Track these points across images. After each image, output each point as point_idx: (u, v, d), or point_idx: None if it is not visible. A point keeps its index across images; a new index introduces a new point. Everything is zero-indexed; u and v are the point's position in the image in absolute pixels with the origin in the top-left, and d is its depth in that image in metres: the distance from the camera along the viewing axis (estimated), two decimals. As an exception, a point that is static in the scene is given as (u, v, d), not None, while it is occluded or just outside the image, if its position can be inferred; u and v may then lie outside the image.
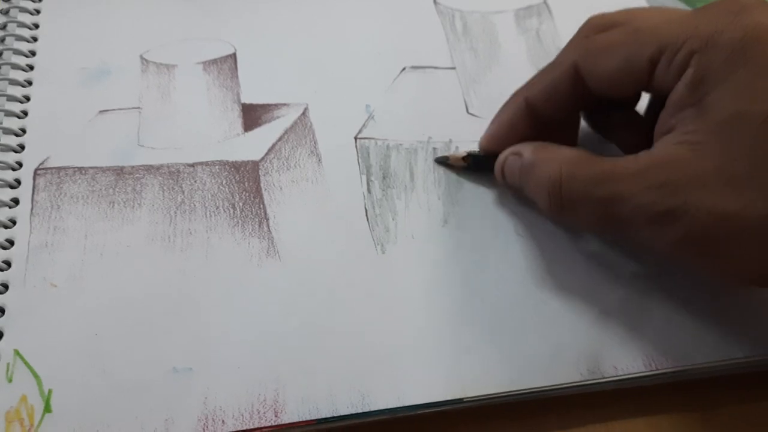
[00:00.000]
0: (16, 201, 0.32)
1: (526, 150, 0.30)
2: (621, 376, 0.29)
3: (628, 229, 0.27)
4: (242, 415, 0.27)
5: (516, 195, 0.33)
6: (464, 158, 0.33)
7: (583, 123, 0.34)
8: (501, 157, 0.32)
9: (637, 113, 0.33)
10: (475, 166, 0.33)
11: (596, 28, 0.30)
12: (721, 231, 0.25)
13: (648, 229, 0.27)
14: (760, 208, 0.24)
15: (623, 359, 0.29)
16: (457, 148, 0.35)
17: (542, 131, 0.31)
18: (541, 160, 0.30)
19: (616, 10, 0.31)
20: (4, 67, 0.36)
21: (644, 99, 0.32)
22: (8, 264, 0.30)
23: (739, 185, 0.25)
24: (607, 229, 0.30)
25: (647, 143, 0.28)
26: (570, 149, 0.29)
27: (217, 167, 0.33)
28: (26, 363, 0.28)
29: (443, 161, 0.34)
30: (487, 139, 0.33)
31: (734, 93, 0.25)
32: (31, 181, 0.33)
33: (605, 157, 0.28)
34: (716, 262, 0.26)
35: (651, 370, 0.29)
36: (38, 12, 0.38)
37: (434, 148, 0.35)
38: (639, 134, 0.31)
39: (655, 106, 0.31)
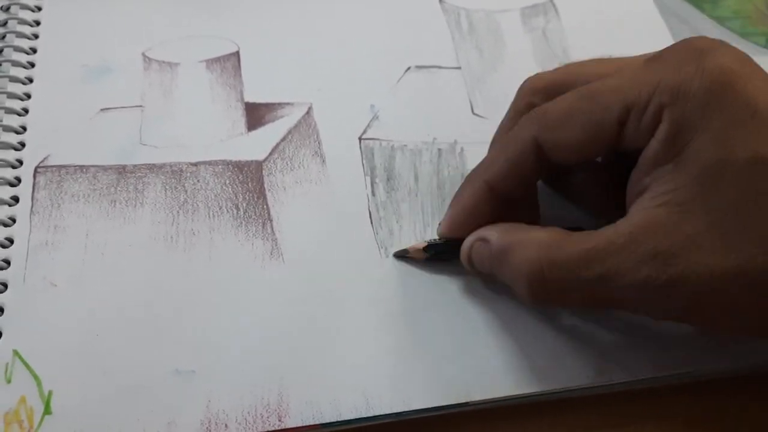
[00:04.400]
0: (15, 199, 0.32)
1: (493, 235, 0.28)
2: (627, 379, 0.29)
3: (624, 306, 0.26)
4: (245, 419, 0.27)
5: (488, 281, 0.30)
6: (424, 249, 0.31)
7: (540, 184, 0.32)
8: (466, 243, 0.29)
9: (601, 168, 0.31)
10: (438, 256, 0.31)
11: (541, 92, 0.29)
12: (724, 292, 0.24)
13: (645, 305, 0.25)
14: (762, 262, 0.23)
15: (629, 362, 0.29)
16: (462, 149, 0.34)
17: (504, 209, 0.29)
18: (513, 245, 0.27)
19: (625, 11, 0.30)
20: (4, 64, 0.35)
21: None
22: (8, 263, 0.30)
23: (734, 240, 0.23)
24: (599, 308, 0.28)
25: (613, 200, 0.27)
26: (542, 230, 0.27)
27: (220, 167, 0.33)
28: (25, 363, 0.28)
29: (402, 255, 0.31)
30: (448, 225, 0.30)
31: (713, 143, 0.24)
32: (32, 179, 0.32)
33: (582, 233, 0.26)
34: (727, 322, 0.25)
35: (660, 372, 0.29)
36: (39, 9, 0.38)
37: (439, 149, 0.34)
38: (604, 192, 0.30)
39: (619, 161, 0.29)
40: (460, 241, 0.30)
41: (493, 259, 0.28)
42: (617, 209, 0.27)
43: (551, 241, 0.26)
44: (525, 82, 0.30)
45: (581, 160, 0.28)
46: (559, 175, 0.31)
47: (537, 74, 0.30)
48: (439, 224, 0.31)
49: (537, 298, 0.27)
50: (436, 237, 0.31)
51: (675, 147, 0.25)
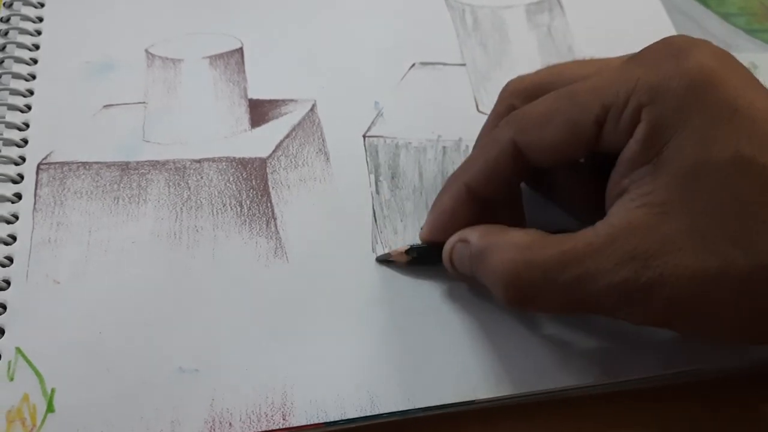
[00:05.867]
0: (18, 196, 0.32)
1: (473, 236, 0.28)
2: (632, 377, 0.29)
3: (600, 310, 0.25)
4: (249, 418, 0.27)
5: (470, 285, 0.30)
6: (407, 252, 0.30)
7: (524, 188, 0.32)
8: (447, 246, 0.29)
9: (582, 169, 0.30)
10: (420, 260, 0.30)
11: (522, 94, 0.29)
12: (704, 294, 0.23)
13: (623, 308, 0.24)
14: (743, 264, 0.22)
15: (634, 360, 0.29)
16: (467, 147, 0.34)
17: (485, 212, 0.29)
18: (491, 247, 0.27)
19: (631, 7, 0.30)
20: (7, 61, 0.35)
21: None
22: (10, 260, 0.30)
23: (714, 242, 0.23)
24: (576, 313, 0.28)
25: (595, 200, 0.27)
26: (520, 232, 0.27)
27: (224, 163, 0.33)
28: (28, 361, 0.28)
29: (385, 259, 0.31)
30: (429, 229, 0.30)
31: (693, 142, 0.23)
32: (34, 176, 0.32)
33: (561, 235, 0.26)
34: (699, 325, 0.24)
35: (665, 371, 0.29)
36: (42, 5, 0.38)
37: (444, 147, 0.34)
38: (586, 193, 0.29)
39: (598, 161, 0.28)
40: (442, 244, 0.29)
41: (472, 260, 0.28)
42: (601, 211, 0.26)
43: (529, 242, 0.26)
44: (506, 84, 0.30)
45: (561, 162, 0.28)
46: (543, 177, 0.31)
47: (518, 77, 0.30)
48: (422, 228, 0.31)
49: (513, 300, 0.26)
50: (419, 241, 0.31)
51: (654, 147, 0.24)
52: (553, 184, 0.31)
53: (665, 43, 0.25)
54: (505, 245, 0.26)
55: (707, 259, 0.23)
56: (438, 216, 0.30)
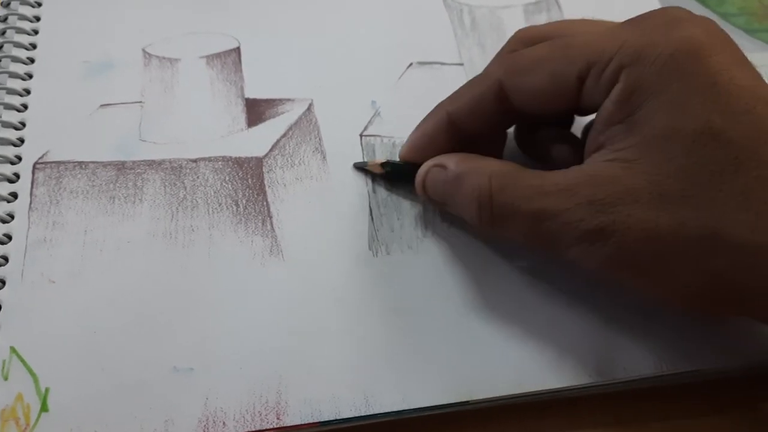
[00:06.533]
0: (14, 195, 0.32)
1: (451, 161, 0.29)
2: (631, 377, 0.28)
3: (557, 246, 0.26)
4: (243, 417, 0.27)
5: (438, 209, 0.31)
6: (382, 165, 0.32)
7: (511, 143, 0.33)
8: (422, 168, 0.30)
9: (568, 132, 0.31)
10: (394, 175, 0.32)
11: (524, 41, 0.29)
12: (653, 249, 0.24)
13: (577, 246, 0.26)
14: (694, 227, 0.23)
15: (633, 360, 0.29)
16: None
17: (465, 145, 0.30)
18: (468, 171, 0.28)
19: (629, 6, 0.30)
20: (4, 59, 0.35)
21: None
22: (5, 259, 0.30)
23: (672, 203, 0.24)
24: (536, 245, 0.28)
25: (579, 163, 0.27)
26: (498, 161, 0.28)
27: (220, 163, 0.33)
28: (23, 360, 0.28)
29: (362, 167, 0.33)
30: (408, 148, 0.31)
31: (666, 108, 0.24)
32: (30, 176, 0.32)
33: (536, 171, 0.27)
34: (648, 281, 0.25)
35: (661, 372, 0.29)
36: (39, 4, 0.38)
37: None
38: (570, 154, 0.30)
39: (587, 125, 0.30)
40: (418, 165, 0.30)
41: (447, 184, 0.29)
42: None
43: (506, 170, 0.27)
44: (516, 32, 0.31)
45: (543, 112, 0.29)
46: (531, 137, 0.32)
47: (527, 26, 0.31)
48: (401, 147, 0.32)
49: (484, 220, 0.28)
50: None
51: (627, 107, 0.25)
52: (541, 146, 0.32)
53: (663, 12, 0.26)
54: (482, 171, 0.28)
55: (661, 216, 0.24)
56: (418, 137, 0.31)
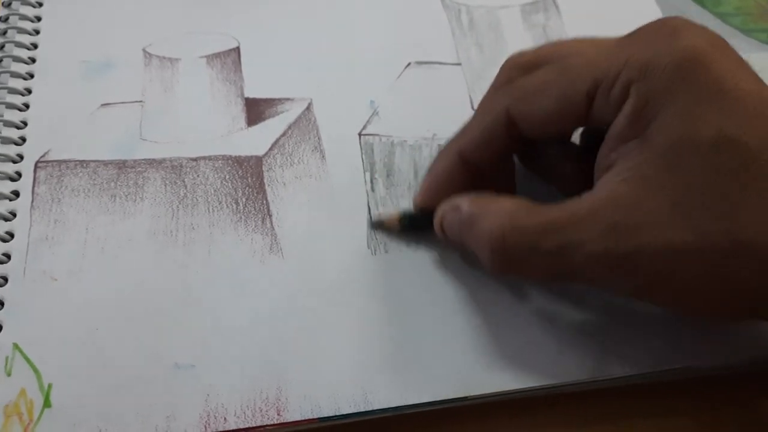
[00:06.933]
0: (16, 193, 0.32)
1: (464, 203, 0.28)
2: (628, 374, 0.29)
3: (582, 279, 0.26)
4: (244, 413, 0.27)
5: (460, 252, 0.31)
6: (399, 220, 0.31)
7: (518, 165, 0.33)
8: (439, 212, 0.30)
9: (574, 146, 0.31)
10: (412, 226, 0.31)
11: (521, 67, 0.29)
12: (681, 267, 0.24)
13: (604, 278, 0.25)
14: (719, 240, 0.23)
15: (630, 357, 0.29)
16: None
17: (479, 180, 0.29)
18: (480, 213, 0.27)
19: (626, 7, 0.30)
20: (5, 59, 0.36)
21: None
22: (8, 257, 0.30)
23: (695, 217, 0.23)
24: (559, 281, 0.28)
25: (584, 179, 0.27)
26: (510, 199, 0.27)
27: (220, 162, 0.33)
28: (25, 357, 0.28)
29: (379, 225, 0.32)
30: (422, 195, 0.31)
31: (678, 119, 0.24)
32: (32, 174, 0.32)
33: (548, 205, 0.26)
34: (676, 298, 0.25)
35: (657, 369, 0.29)
36: (40, 5, 0.38)
37: (439, 145, 0.34)
38: (577, 170, 0.30)
39: (591, 139, 0.29)
40: (434, 210, 0.30)
41: (462, 226, 0.28)
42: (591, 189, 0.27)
43: (516, 209, 0.27)
44: (508, 58, 0.30)
45: (552, 134, 0.28)
46: (535, 154, 0.32)
47: (519, 51, 0.30)
48: (414, 196, 0.31)
49: (498, 266, 0.27)
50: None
51: (640, 122, 0.25)
52: (546, 163, 0.32)
53: (661, 23, 0.26)
54: (493, 212, 0.27)
55: (685, 234, 0.23)
56: (431, 182, 0.31)
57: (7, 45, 0.36)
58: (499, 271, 0.27)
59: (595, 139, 0.28)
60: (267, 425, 0.27)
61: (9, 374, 0.28)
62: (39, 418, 0.27)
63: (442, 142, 0.34)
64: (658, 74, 0.24)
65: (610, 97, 0.25)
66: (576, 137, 0.31)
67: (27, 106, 0.34)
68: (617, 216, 0.24)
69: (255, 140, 0.34)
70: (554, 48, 0.29)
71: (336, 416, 0.27)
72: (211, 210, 0.32)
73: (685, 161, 0.24)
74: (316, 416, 0.27)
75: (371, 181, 0.33)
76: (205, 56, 0.37)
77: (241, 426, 0.27)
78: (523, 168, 0.32)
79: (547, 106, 0.27)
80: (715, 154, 0.23)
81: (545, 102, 0.27)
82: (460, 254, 0.31)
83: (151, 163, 0.33)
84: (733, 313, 0.26)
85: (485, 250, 0.27)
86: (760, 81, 0.25)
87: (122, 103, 0.35)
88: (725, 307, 0.25)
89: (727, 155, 0.23)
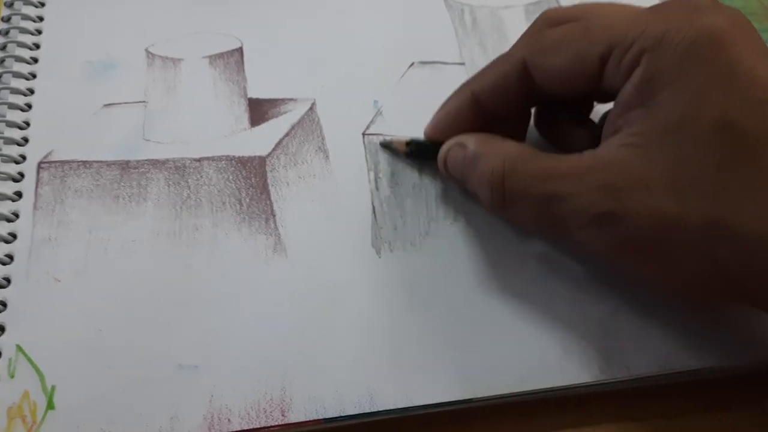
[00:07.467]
0: (19, 194, 0.32)
1: (470, 141, 0.30)
2: (634, 376, 0.29)
3: (566, 230, 0.27)
4: (248, 414, 0.27)
5: (458, 187, 0.32)
6: (407, 143, 0.33)
7: (532, 128, 0.33)
8: (444, 147, 0.31)
9: (586, 117, 0.32)
10: (418, 153, 0.33)
11: (549, 22, 0.30)
12: (660, 235, 0.24)
13: (586, 230, 0.26)
14: (702, 216, 0.24)
15: (635, 359, 0.29)
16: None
17: (489, 124, 0.30)
18: (485, 152, 0.29)
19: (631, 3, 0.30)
20: (8, 59, 0.35)
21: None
22: (11, 258, 0.30)
23: (682, 190, 0.24)
24: (546, 228, 0.29)
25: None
26: (515, 144, 0.29)
27: (223, 162, 0.33)
28: (29, 358, 0.28)
29: (387, 145, 0.34)
30: (432, 127, 0.32)
31: (684, 96, 0.24)
32: (35, 175, 0.32)
33: (550, 154, 0.27)
34: (654, 268, 0.26)
35: (663, 371, 0.29)
36: (43, 5, 0.38)
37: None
38: (587, 139, 0.30)
39: (604, 113, 0.31)
40: (441, 143, 0.31)
41: (465, 163, 0.30)
42: None
43: (519, 153, 0.28)
44: (543, 12, 0.31)
45: (564, 93, 0.29)
46: (547, 119, 0.32)
47: (556, 7, 0.31)
48: (426, 126, 0.32)
49: (495, 203, 0.28)
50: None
51: (647, 92, 0.25)
52: (559, 132, 0.32)
53: (687, 0, 0.26)
54: (497, 152, 0.28)
55: (669, 203, 0.24)
56: (442, 116, 0.32)
57: (9, 45, 0.36)
58: (495, 208, 0.29)
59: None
60: (271, 426, 0.27)
61: (12, 376, 0.27)
62: (42, 420, 0.27)
63: (446, 141, 0.34)
64: (671, 47, 0.25)
65: (622, 63, 0.26)
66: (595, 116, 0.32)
67: (29, 106, 0.34)
68: (608, 176, 0.25)
69: (258, 140, 0.34)
70: (585, 8, 0.30)
71: (341, 417, 0.27)
72: (214, 210, 0.32)
73: (683, 137, 0.24)
74: (321, 417, 0.27)
75: (375, 181, 0.33)
76: (208, 56, 0.37)
77: (246, 427, 0.27)
78: (536, 133, 0.33)
79: (561, 62, 0.28)
80: (713, 135, 0.24)
81: (560, 58, 0.28)
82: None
83: (155, 163, 0.33)
84: (719, 295, 0.26)
85: (484, 187, 0.28)
86: None
87: (125, 103, 0.35)
88: (707, 288, 0.25)
89: (725, 138, 0.24)
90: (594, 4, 0.30)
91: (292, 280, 0.30)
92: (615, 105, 0.27)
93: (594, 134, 0.30)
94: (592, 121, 0.32)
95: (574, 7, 0.30)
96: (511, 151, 0.28)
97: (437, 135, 0.32)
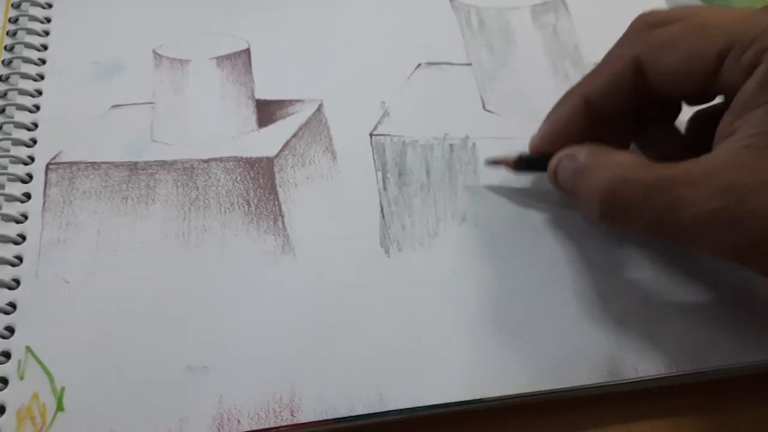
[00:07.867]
0: (27, 196, 0.32)
1: (581, 153, 0.29)
2: (642, 377, 0.29)
3: (687, 237, 0.26)
4: (258, 415, 0.27)
5: (568, 199, 0.31)
6: (516, 161, 0.32)
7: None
8: (555, 158, 0.30)
9: (673, 125, 0.32)
10: (527, 168, 0.32)
11: (650, 25, 0.29)
12: None
13: (710, 237, 0.25)
14: None
15: (644, 361, 0.29)
16: (474, 144, 0.34)
17: (598, 131, 0.30)
18: (596, 164, 0.28)
19: (637, 5, 0.30)
20: (15, 61, 0.35)
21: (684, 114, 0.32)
22: (20, 259, 0.30)
23: None
24: (663, 236, 0.28)
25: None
26: (626, 154, 0.28)
27: (231, 163, 0.33)
28: (38, 360, 0.28)
29: (494, 162, 0.33)
30: (541, 138, 0.31)
31: None
32: (43, 176, 0.32)
33: (663, 163, 0.27)
34: None
35: (671, 372, 0.29)
36: (50, 6, 0.38)
37: (450, 145, 0.34)
38: (674, 147, 0.30)
39: (700, 118, 0.30)
40: (550, 155, 0.30)
41: (575, 174, 0.29)
42: None
43: (632, 163, 0.27)
44: (637, 17, 0.30)
45: (679, 91, 0.28)
46: (647, 137, 0.32)
47: (650, 11, 0.30)
48: (532, 138, 0.32)
49: (606, 214, 0.28)
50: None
51: None
52: (646, 138, 0.32)
53: None
54: (609, 164, 0.28)
55: None
56: (551, 126, 0.31)
57: (17, 46, 0.36)
58: (604, 220, 0.28)
59: (703, 132, 0.28)
60: (281, 426, 0.27)
61: (22, 378, 0.27)
62: (52, 422, 0.27)
63: (454, 141, 0.34)
64: None
65: (742, 60, 0.25)
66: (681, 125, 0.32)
67: (38, 107, 0.34)
68: (732, 178, 0.24)
69: (266, 141, 0.34)
70: (687, 9, 0.29)
71: (350, 417, 0.27)
72: (222, 211, 0.32)
73: None
74: (330, 417, 0.27)
75: (383, 181, 0.33)
76: (216, 58, 0.37)
77: (255, 428, 0.27)
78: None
79: (678, 59, 0.27)
80: None
81: (676, 55, 0.27)
82: (566, 203, 0.31)
83: (163, 164, 0.33)
84: None
85: (595, 199, 0.28)
86: None
87: (133, 104, 0.35)
88: None
89: None
90: (694, 7, 0.30)
91: (300, 281, 0.30)
92: (733, 105, 0.26)
93: (679, 141, 0.30)
94: (677, 128, 0.32)
95: (672, 10, 0.30)
96: (622, 161, 0.27)
97: (546, 147, 0.31)
